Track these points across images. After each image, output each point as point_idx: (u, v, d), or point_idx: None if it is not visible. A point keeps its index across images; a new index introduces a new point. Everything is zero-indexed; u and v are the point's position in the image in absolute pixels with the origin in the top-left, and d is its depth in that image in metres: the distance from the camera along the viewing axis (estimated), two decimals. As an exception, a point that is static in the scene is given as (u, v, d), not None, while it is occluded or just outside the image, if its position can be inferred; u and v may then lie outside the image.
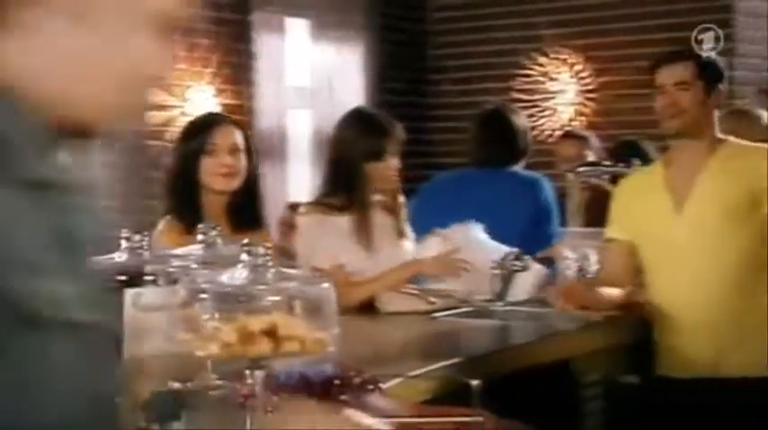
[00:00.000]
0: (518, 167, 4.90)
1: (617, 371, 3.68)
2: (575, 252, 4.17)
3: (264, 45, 7.71)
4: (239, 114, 6.84)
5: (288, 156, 7.96)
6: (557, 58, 8.21)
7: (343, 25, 8.30)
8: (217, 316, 2.06)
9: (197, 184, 3.74)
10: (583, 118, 8.06)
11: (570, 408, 3.49)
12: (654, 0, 7.98)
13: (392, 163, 3.96)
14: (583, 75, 8.14)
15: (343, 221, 3.92)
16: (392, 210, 4.05)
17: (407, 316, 3.82)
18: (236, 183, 3.74)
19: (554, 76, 8.20)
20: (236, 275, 2.12)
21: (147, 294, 2.30)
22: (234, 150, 3.75)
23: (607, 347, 3.67)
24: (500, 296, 4.09)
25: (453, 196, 4.73)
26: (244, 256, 2.12)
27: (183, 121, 5.51)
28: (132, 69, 1.24)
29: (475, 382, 2.11)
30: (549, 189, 4.82)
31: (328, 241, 3.89)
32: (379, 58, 8.42)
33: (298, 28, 8.14)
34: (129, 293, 2.27)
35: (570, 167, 5.47)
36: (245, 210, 3.77)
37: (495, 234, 4.34)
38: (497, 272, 4.11)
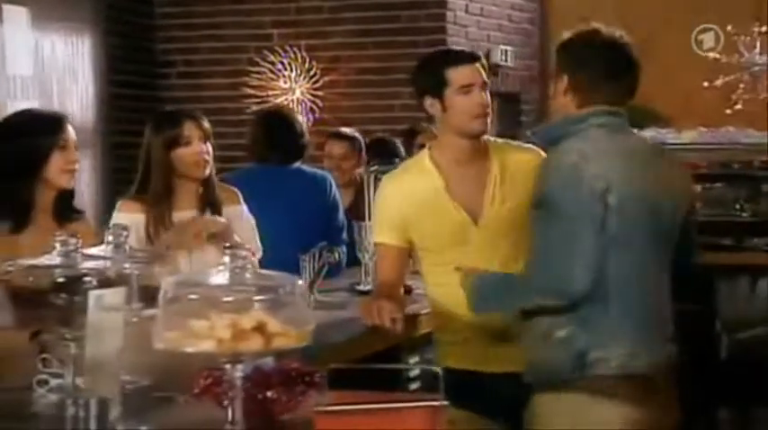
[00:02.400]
0: (299, 164, 5.19)
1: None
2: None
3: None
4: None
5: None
6: (286, 56, 8.47)
7: (68, 15, 8.21)
8: (206, 314, 2.21)
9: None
10: (310, 115, 8.36)
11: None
12: (373, 5, 8.40)
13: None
14: (310, 73, 8.44)
15: None
16: None
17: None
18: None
19: (284, 73, 8.46)
20: (218, 276, 2.29)
21: (108, 295, 2.40)
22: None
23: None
24: (310, 287, 4.32)
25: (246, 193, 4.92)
26: (225, 258, 2.28)
27: None
28: None
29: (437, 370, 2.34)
30: (334, 185, 5.16)
31: None
32: (108, 50, 8.40)
33: (16, 16, 7.98)
34: (93, 295, 2.37)
35: (336, 165, 5.81)
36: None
37: (290, 229, 4.60)
38: (307, 264, 4.33)
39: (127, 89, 8.48)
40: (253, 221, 4.28)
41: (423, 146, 6.49)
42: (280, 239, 4.40)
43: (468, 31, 8.54)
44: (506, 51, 8.91)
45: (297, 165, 5.16)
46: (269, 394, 2.43)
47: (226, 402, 2.43)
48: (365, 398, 2.36)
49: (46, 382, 2.67)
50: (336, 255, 4.39)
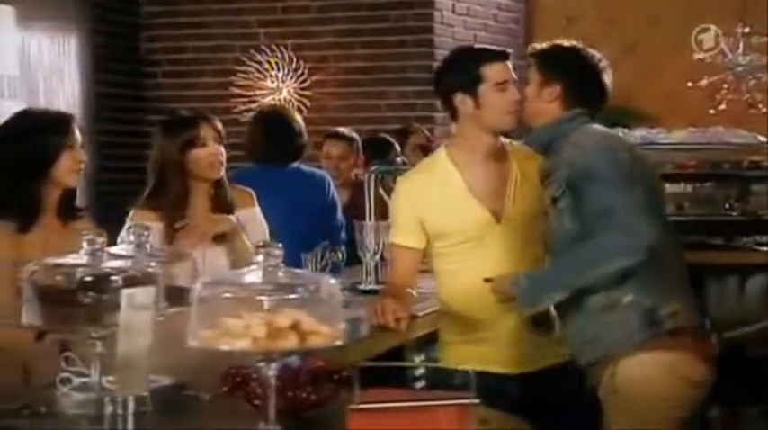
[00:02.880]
0: (297, 164, 5.20)
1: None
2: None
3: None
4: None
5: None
6: (273, 56, 8.47)
7: (55, 15, 8.19)
8: (245, 313, 2.22)
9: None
10: (299, 115, 8.35)
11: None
12: (360, 4, 8.41)
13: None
14: (298, 73, 8.45)
15: None
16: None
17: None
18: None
19: (271, 73, 8.46)
20: (251, 275, 2.30)
21: (139, 294, 2.41)
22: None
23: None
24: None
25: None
26: (259, 257, 2.30)
27: None
28: None
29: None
30: (333, 185, 5.17)
31: None
32: (94, 49, 8.38)
33: (2, 15, 7.95)
34: (125, 293, 2.38)
35: (334, 165, 5.83)
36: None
37: (290, 228, 4.60)
38: (309, 263, 4.35)
39: (113, 88, 8.46)
40: (266, 224, 4.29)
41: (418, 146, 6.60)
42: (279, 239, 4.40)
43: (455, 31, 8.56)
44: (493, 51, 8.93)
45: (295, 164, 5.18)
46: (299, 392, 2.45)
47: (255, 400, 2.45)
48: (396, 397, 2.37)
49: (69, 381, 2.67)
50: (339, 255, 4.40)
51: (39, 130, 3.69)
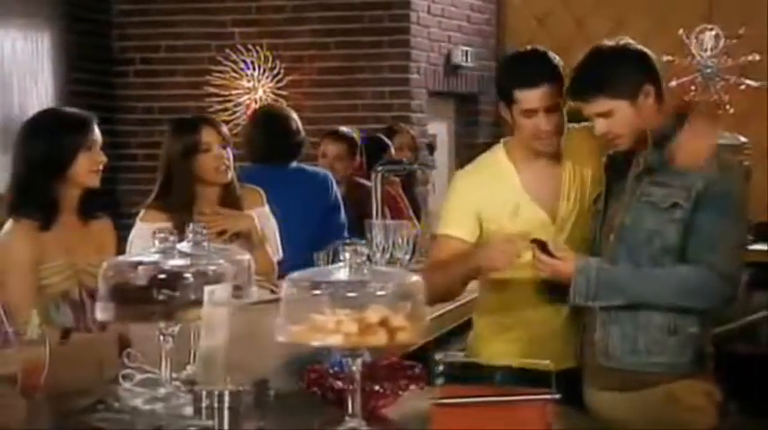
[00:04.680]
0: (297, 163, 5.21)
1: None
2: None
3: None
4: None
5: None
6: (249, 56, 8.46)
7: (28, 13, 8.12)
8: (333, 309, 2.25)
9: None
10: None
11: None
12: (336, 4, 8.43)
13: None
14: (274, 72, 8.45)
15: None
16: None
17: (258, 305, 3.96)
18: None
19: (247, 72, 8.46)
20: (339, 272, 2.32)
21: (219, 291, 2.43)
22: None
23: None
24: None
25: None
26: (346, 255, 2.32)
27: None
28: None
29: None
30: (335, 183, 5.18)
31: None
32: (67, 48, 8.32)
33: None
34: (207, 290, 2.40)
35: (329, 164, 5.83)
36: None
37: (293, 228, 4.62)
38: (321, 262, 4.36)
39: (85, 87, 8.40)
40: (275, 223, 4.30)
41: (405, 145, 6.64)
42: (282, 238, 4.42)
43: (431, 32, 8.61)
44: (467, 52, 9.01)
45: (296, 164, 5.17)
46: (376, 387, 2.47)
47: (332, 395, 2.48)
48: (471, 393, 2.40)
49: (131, 377, 2.68)
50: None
51: (56, 130, 3.68)
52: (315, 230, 4.89)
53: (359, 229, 5.01)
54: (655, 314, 3.16)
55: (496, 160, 3.56)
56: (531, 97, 3.37)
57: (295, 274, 2.34)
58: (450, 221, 3.56)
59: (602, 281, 3.17)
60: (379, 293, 2.28)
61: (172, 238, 2.70)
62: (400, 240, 4.47)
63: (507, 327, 3.53)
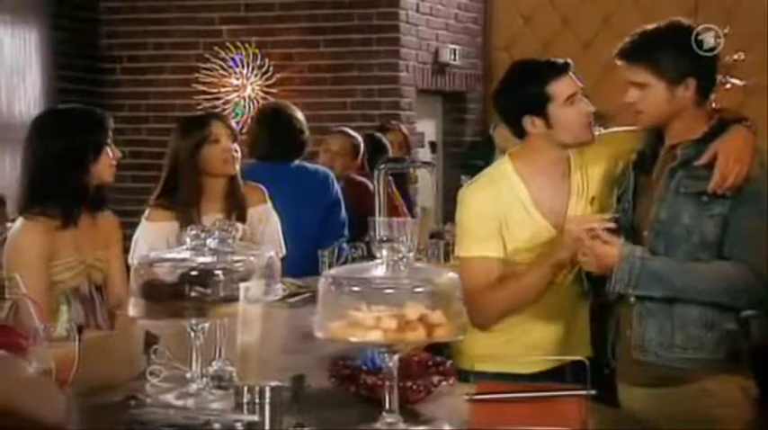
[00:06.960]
0: (299, 161, 5.22)
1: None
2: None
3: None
4: None
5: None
6: (238, 53, 8.45)
7: (15, 9, 8.09)
8: (372, 306, 2.25)
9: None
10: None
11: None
12: (324, 2, 8.43)
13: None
14: (263, 70, 8.44)
15: None
16: None
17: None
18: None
19: (236, 70, 8.44)
20: (376, 269, 2.32)
21: (253, 287, 2.43)
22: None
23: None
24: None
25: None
26: (384, 252, 2.32)
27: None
28: None
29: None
30: (335, 181, 5.20)
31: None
32: (54, 45, 8.29)
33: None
34: (243, 286, 2.40)
35: (328, 161, 5.85)
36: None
37: (295, 225, 4.62)
38: (327, 259, 4.36)
39: (72, 84, 8.38)
40: (277, 220, 4.30)
41: (397, 143, 6.64)
42: (284, 235, 4.43)
43: (419, 30, 8.63)
44: (455, 50, 9.03)
45: (298, 161, 5.17)
46: (409, 383, 2.47)
47: (366, 392, 2.48)
48: (510, 388, 2.41)
49: (158, 373, 2.68)
50: (360, 251, 4.40)
51: (85, 126, 3.69)
52: (316, 228, 4.94)
53: (356, 226, 5.05)
54: (692, 308, 3.12)
55: (504, 175, 3.46)
56: (567, 82, 3.32)
57: (332, 271, 2.34)
58: (474, 241, 3.43)
59: (645, 270, 3.09)
60: (417, 290, 2.28)
61: (203, 235, 2.69)
62: (404, 237, 4.50)
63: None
